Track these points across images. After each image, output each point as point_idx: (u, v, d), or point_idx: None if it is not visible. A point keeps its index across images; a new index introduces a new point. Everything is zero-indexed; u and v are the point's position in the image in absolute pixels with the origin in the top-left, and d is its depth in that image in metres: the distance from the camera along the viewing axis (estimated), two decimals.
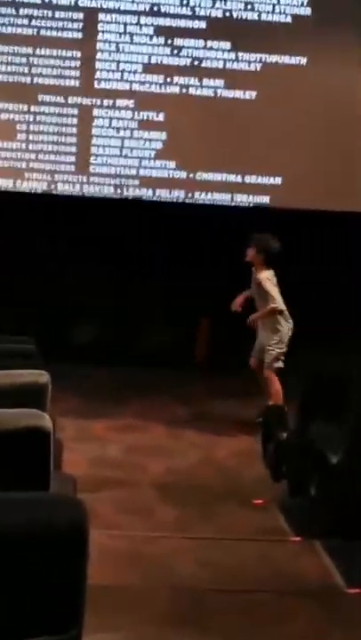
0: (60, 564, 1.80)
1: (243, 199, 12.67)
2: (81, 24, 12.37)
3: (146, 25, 12.42)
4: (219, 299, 11.30)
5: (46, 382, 3.85)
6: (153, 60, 12.46)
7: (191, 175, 12.56)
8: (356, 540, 6.09)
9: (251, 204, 12.66)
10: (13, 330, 7.24)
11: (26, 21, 12.23)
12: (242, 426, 9.74)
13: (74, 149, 12.57)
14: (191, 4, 12.34)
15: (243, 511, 7.30)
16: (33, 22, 12.27)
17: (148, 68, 12.46)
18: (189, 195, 12.60)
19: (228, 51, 12.44)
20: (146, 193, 12.71)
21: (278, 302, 9.82)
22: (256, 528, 6.95)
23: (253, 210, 12.66)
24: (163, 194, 12.65)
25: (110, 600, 4.94)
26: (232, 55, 12.46)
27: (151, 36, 12.44)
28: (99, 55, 12.44)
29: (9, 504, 1.86)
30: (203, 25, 12.40)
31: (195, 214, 12.40)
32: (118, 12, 12.36)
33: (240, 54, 12.45)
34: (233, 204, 12.70)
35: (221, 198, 12.65)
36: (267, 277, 9.82)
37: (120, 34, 12.44)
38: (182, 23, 12.43)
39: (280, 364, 9.84)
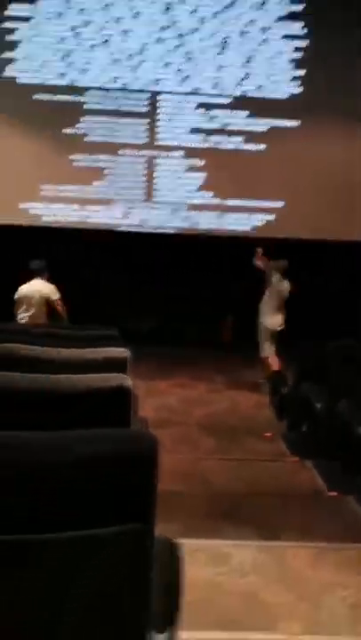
0: (140, 479, 1.79)
1: (256, 218, 12.66)
2: (147, 101, 12.49)
3: (190, 102, 12.53)
4: (238, 301, 11.33)
5: (126, 356, 3.86)
6: (195, 125, 12.53)
7: (223, 201, 12.59)
8: (334, 459, 6.08)
9: (262, 222, 12.69)
10: (105, 323, 7.28)
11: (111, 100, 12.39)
12: (255, 385, 9.73)
13: (143, 185, 12.62)
14: (220, 86, 12.47)
15: (257, 441, 7.29)
16: (116, 101, 12.42)
17: (192, 130, 12.54)
18: (220, 215, 12.68)
19: (246, 117, 12.56)
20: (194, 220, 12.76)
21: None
22: (266, 452, 6.93)
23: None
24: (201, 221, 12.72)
25: (169, 501, 4.93)
26: (248, 121, 12.56)
27: (194, 109, 12.54)
28: (158, 122, 12.55)
29: (104, 436, 1.87)
30: (228, 100, 12.53)
31: (222, 242, 12.40)
32: (171, 93, 12.48)
33: (253, 120, 12.55)
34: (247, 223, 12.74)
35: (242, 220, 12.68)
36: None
37: (173, 107, 12.54)
38: (214, 100, 12.54)
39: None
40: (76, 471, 1.75)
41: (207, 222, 12.68)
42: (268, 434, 7.46)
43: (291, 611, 3.52)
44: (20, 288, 9.18)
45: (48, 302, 9.00)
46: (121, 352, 3.86)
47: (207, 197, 12.66)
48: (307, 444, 6.74)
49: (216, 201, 12.66)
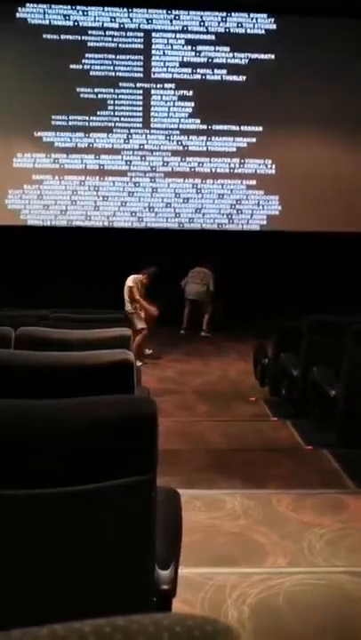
0: (142, 437, 1.78)
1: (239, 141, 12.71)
2: (142, 39, 12.56)
3: (179, 39, 12.62)
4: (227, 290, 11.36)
5: (130, 334, 3.86)
6: (184, 59, 12.61)
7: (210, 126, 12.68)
8: (309, 418, 6.08)
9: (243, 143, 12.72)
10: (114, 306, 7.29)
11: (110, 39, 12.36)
12: (241, 356, 9.73)
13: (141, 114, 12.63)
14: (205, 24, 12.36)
15: (244, 405, 7.28)
16: (114, 39, 12.46)
17: (182, 64, 12.57)
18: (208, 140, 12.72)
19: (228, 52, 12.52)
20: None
21: None
22: (252, 414, 6.93)
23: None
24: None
25: (170, 458, 4.93)
26: (230, 54, 12.58)
27: (182, 45, 12.62)
28: (153, 58, 12.58)
29: (112, 402, 1.86)
30: (212, 37, 12.47)
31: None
32: (163, 31, 12.59)
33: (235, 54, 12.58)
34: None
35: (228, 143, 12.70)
36: None
37: (165, 44, 12.56)
38: (200, 36, 12.57)
39: None
40: (88, 432, 1.75)
41: (197, 146, 12.64)
42: (253, 398, 7.46)
43: (276, 547, 3.52)
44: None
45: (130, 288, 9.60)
46: (124, 331, 3.87)
47: (196, 123, 12.58)
48: (286, 405, 6.74)
49: (204, 126, 12.60)
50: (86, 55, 12.31)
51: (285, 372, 6.68)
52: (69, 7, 12.24)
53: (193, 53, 12.48)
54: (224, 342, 11.02)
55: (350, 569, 3.31)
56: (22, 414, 1.78)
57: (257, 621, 2.81)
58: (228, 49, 12.50)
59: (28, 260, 11.77)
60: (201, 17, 12.41)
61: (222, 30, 12.48)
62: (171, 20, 12.42)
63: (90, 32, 12.33)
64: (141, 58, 12.44)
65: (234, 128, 12.56)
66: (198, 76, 12.52)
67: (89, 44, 12.34)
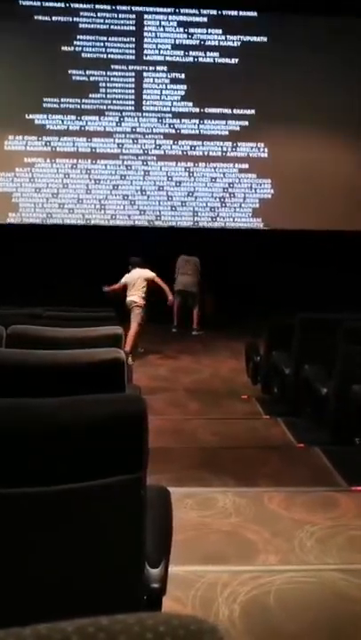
0: (132, 436, 1.78)
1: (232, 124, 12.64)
2: (134, 21, 12.47)
3: (172, 20, 12.52)
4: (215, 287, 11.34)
5: (121, 333, 3.87)
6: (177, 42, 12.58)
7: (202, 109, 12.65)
8: (301, 416, 6.09)
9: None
10: (105, 304, 7.27)
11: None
12: (233, 354, 9.72)
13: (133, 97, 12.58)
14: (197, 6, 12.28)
15: (236, 402, 7.29)
16: (106, 21, 12.34)
17: (174, 47, 12.50)
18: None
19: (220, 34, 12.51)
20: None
21: None
22: (244, 412, 6.93)
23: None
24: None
25: (161, 456, 4.93)
26: (222, 37, 12.55)
27: (175, 27, 12.54)
28: (145, 40, 12.47)
29: (102, 400, 1.86)
30: (205, 19, 12.54)
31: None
32: (155, 12, 12.55)
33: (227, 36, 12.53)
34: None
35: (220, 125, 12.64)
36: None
37: (157, 26, 12.43)
38: (193, 18, 12.58)
39: None
40: (77, 430, 1.75)
41: (189, 129, 12.59)
42: (245, 396, 7.46)
43: (268, 545, 3.52)
44: (125, 276, 9.81)
45: (148, 282, 9.74)
46: (116, 329, 3.87)
47: (189, 106, 12.54)
48: (277, 403, 6.74)
49: (196, 109, 12.56)
50: (78, 37, 12.22)
51: (277, 370, 6.68)
52: None
53: (185, 35, 12.43)
54: (215, 340, 11.01)
55: (341, 566, 3.31)
56: (11, 412, 1.78)
57: (248, 619, 2.81)
58: (220, 31, 12.45)
59: (21, 257, 11.73)
60: None
61: (215, 13, 12.43)
62: (163, 2, 12.36)
63: (81, 13, 12.23)
64: (133, 40, 12.36)
65: (226, 111, 12.51)
66: (191, 59, 12.48)
67: (80, 25, 12.25)
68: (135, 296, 9.68)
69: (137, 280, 9.73)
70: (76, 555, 1.77)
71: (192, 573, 3.15)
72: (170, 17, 12.42)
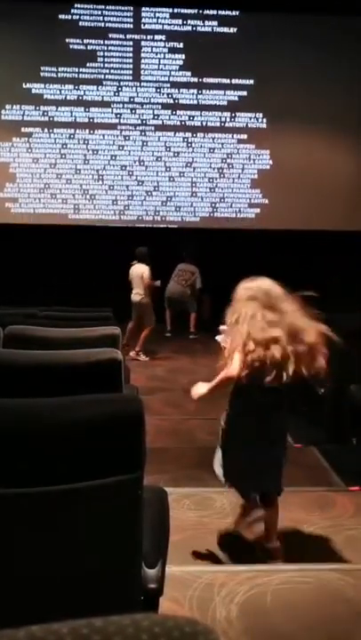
0: (129, 436, 1.78)
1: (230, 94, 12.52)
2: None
3: None
4: (213, 287, 11.27)
5: (118, 333, 3.87)
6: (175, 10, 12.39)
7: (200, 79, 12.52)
8: (298, 415, 6.08)
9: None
10: (103, 304, 7.27)
11: None
12: None
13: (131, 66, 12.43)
14: None
15: None
16: None
17: (172, 15, 12.39)
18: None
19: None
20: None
21: None
22: None
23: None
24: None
25: (159, 456, 4.94)
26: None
27: None
28: (143, 8, 12.29)
29: (99, 400, 1.86)
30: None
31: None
32: None
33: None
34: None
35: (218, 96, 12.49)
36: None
37: None
38: None
39: None
40: (73, 430, 1.74)
41: (188, 99, 12.46)
42: None
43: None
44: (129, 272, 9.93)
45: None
46: (113, 329, 3.87)
47: (187, 76, 12.40)
48: None
49: (194, 79, 12.42)
50: (75, 5, 12.06)
51: None
52: None
53: (183, 3, 12.28)
54: (212, 340, 10.96)
55: (338, 566, 3.32)
56: (9, 413, 1.77)
57: (245, 619, 2.81)
58: None
59: (19, 256, 11.71)
60: None
61: None
62: None
63: None
64: (131, 8, 12.19)
65: (225, 81, 12.38)
66: (189, 28, 12.35)
67: None
68: (135, 294, 9.79)
69: (134, 277, 9.82)
70: (72, 555, 1.76)
71: (189, 573, 3.15)
72: None
